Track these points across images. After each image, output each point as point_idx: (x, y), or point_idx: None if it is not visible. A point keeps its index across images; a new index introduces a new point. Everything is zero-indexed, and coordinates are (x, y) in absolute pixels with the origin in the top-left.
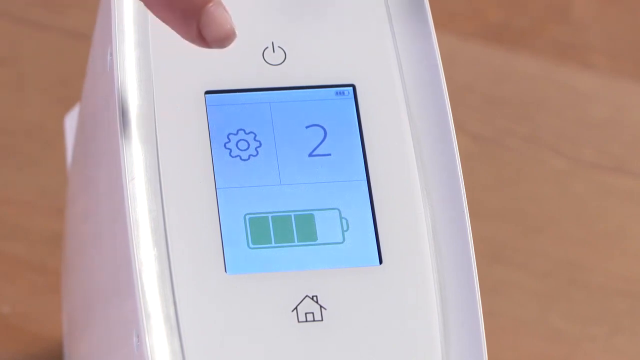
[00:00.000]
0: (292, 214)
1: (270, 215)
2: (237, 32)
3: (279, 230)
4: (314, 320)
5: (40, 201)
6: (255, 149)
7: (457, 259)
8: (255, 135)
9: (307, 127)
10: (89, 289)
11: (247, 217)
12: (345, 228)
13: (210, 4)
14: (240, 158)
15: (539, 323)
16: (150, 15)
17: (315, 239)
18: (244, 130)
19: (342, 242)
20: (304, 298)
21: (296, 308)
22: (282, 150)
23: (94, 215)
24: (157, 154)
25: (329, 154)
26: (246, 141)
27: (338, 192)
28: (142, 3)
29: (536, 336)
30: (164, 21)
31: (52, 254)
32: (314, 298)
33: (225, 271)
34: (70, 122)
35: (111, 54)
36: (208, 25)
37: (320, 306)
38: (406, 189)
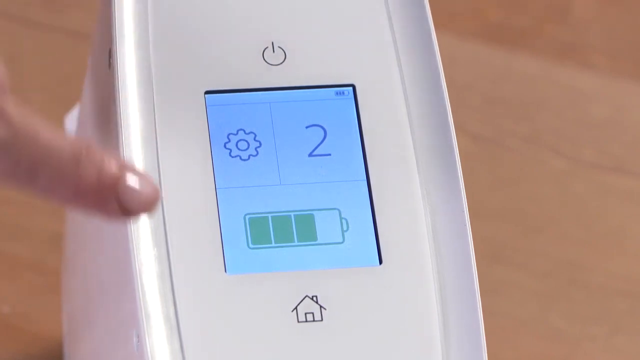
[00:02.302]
0: (292, 214)
1: (270, 215)
2: (159, 191)
3: (279, 230)
4: (314, 320)
5: (40, 201)
6: (255, 149)
7: (457, 259)
8: (255, 135)
9: (307, 127)
10: (89, 289)
11: (247, 217)
12: (345, 228)
13: (122, 177)
14: (240, 158)
15: (539, 323)
16: (150, 15)
17: (315, 239)
18: (244, 130)
19: (342, 242)
20: (304, 298)
21: (296, 308)
22: (282, 150)
23: None
24: (157, 154)
25: (329, 154)
26: (246, 141)
27: (338, 192)
28: (140, 6)
29: (536, 336)
30: (83, 212)
31: (52, 254)
32: (314, 298)
33: (225, 271)
34: (70, 122)
35: (111, 54)
36: (129, 199)
37: (320, 306)
38: (406, 189)
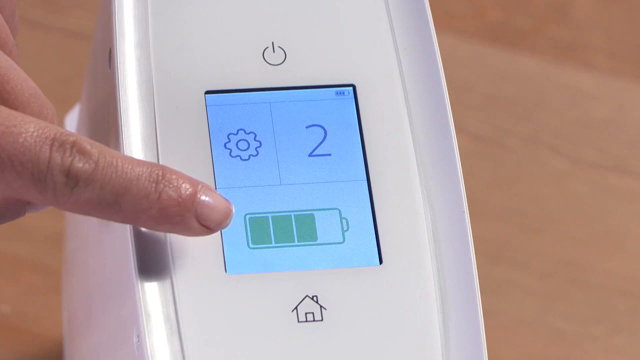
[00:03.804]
0: (292, 214)
1: (270, 215)
2: (232, 205)
3: (279, 230)
4: (314, 320)
5: None
6: (256, 149)
7: (457, 259)
8: (256, 135)
9: (307, 127)
10: (89, 289)
11: (247, 217)
12: (345, 228)
13: (199, 195)
14: (241, 158)
15: (539, 323)
16: (151, 15)
17: (316, 239)
18: (244, 130)
19: (342, 242)
20: (304, 298)
21: (296, 308)
22: (282, 150)
23: None
24: (157, 154)
25: (329, 154)
26: (246, 141)
27: (338, 192)
28: (140, 6)
29: (536, 336)
30: (166, 232)
31: (52, 254)
32: (314, 298)
33: (225, 271)
34: (70, 122)
35: (111, 54)
36: (206, 215)
37: (320, 306)
38: (406, 189)
